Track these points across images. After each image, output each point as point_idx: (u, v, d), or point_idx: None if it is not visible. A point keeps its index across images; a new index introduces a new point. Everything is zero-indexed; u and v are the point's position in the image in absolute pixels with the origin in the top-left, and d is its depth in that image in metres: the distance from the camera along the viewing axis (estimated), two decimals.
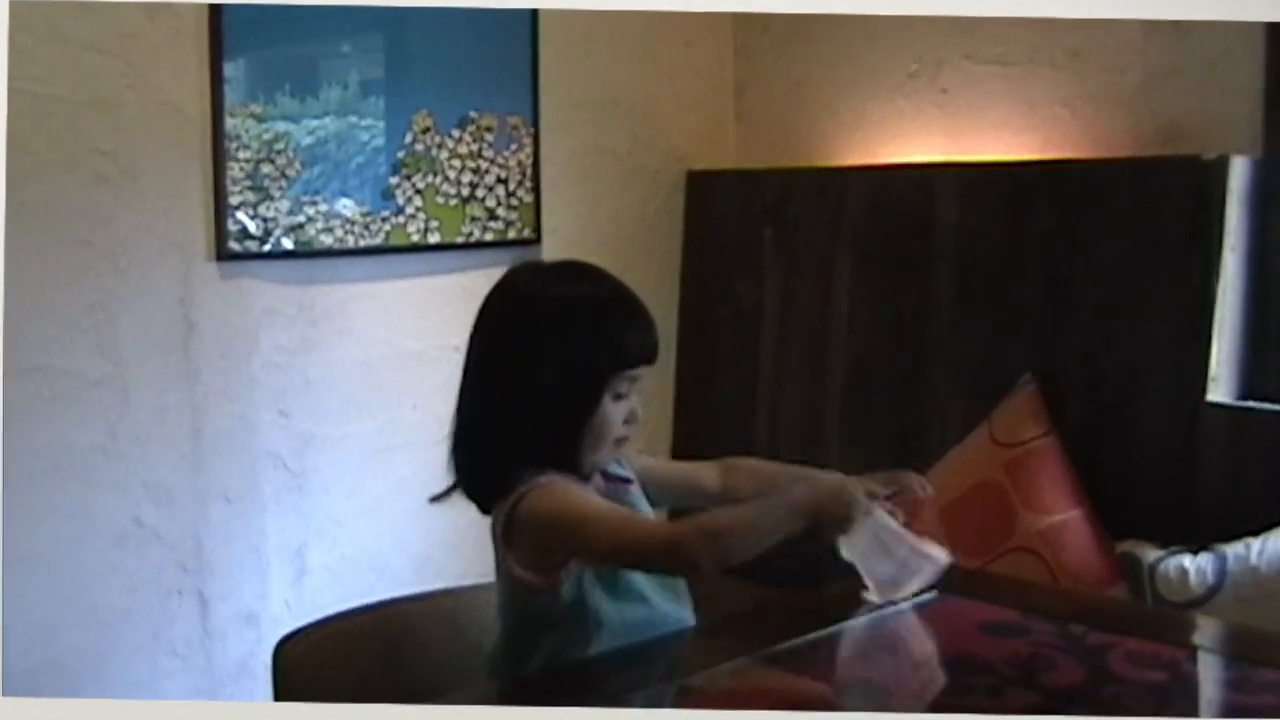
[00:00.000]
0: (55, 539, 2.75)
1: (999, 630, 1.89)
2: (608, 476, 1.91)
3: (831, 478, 1.81)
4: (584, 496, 1.79)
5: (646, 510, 1.94)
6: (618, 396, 1.82)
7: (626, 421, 1.84)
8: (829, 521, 1.75)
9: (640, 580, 1.83)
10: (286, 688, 1.87)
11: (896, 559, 1.82)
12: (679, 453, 3.57)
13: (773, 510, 1.76)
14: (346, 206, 3.09)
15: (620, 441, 1.86)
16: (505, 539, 1.82)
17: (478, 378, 1.89)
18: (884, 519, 1.81)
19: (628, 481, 1.94)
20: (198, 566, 2.95)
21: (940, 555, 1.89)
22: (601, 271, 1.92)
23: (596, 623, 1.80)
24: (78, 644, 2.80)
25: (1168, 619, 2.31)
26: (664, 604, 1.85)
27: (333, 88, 3.08)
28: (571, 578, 1.79)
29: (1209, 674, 1.86)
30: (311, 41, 3.10)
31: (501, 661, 1.87)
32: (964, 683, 1.75)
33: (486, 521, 3.17)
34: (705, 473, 2.04)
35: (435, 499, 1.92)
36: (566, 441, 1.82)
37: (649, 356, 1.85)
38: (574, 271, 1.92)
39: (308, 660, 1.90)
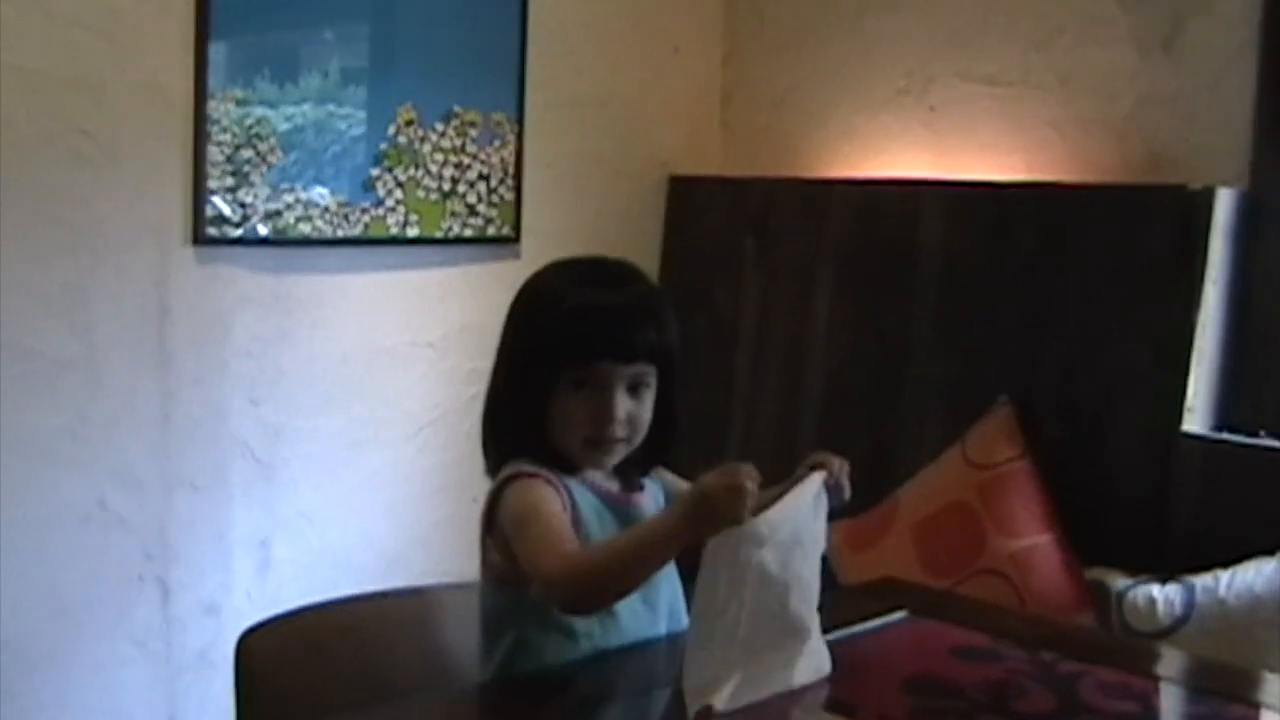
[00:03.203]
0: (18, 520, 2.71)
1: (970, 654, 1.88)
2: (626, 481, 1.89)
3: (713, 475, 1.58)
4: (543, 505, 1.75)
5: None
6: (578, 387, 1.78)
7: (602, 421, 1.78)
8: (713, 523, 1.58)
9: None
10: (248, 680, 1.85)
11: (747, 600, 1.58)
12: None
13: (646, 536, 1.67)
14: (322, 195, 3.06)
15: (595, 442, 1.81)
16: (486, 521, 1.81)
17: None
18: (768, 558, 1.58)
19: (639, 490, 1.89)
20: (161, 553, 2.92)
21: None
22: (603, 268, 1.89)
23: (554, 623, 1.77)
24: (36, 627, 2.76)
25: (1138, 650, 2.31)
26: (630, 617, 1.82)
27: (313, 75, 3.05)
28: None
29: (1180, 707, 1.85)
30: (295, 27, 3.07)
31: (480, 647, 1.86)
32: (935, 705, 1.74)
33: (452, 520, 3.19)
34: None
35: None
36: (530, 430, 1.80)
37: (606, 349, 1.78)
38: (571, 265, 1.90)
39: (270, 653, 1.87)
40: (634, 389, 1.81)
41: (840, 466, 1.77)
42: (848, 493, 1.77)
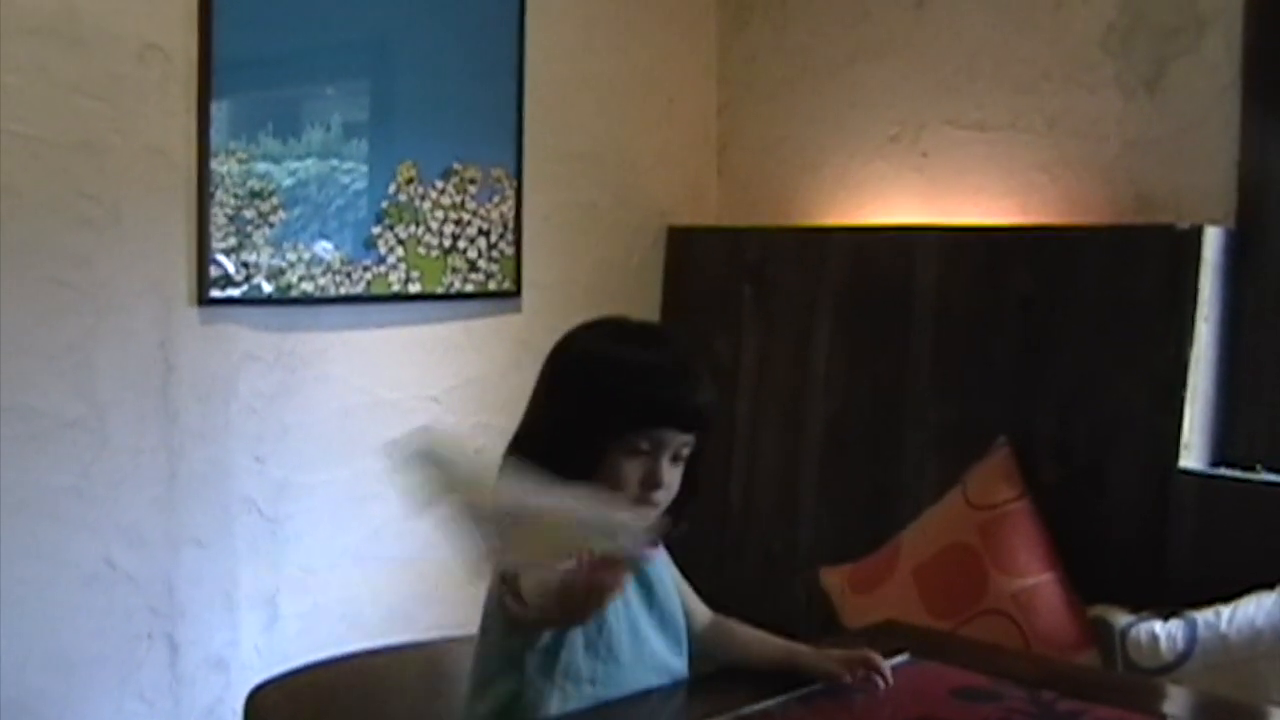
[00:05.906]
0: (25, 579, 2.73)
1: (970, 695, 1.90)
2: None
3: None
4: None
5: (666, 584, 1.93)
6: (633, 452, 1.79)
7: (647, 485, 1.80)
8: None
9: (623, 641, 1.83)
10: None
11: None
12: None
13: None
14: (325, 250, 3.09)
15: (638, 504, 1.81)
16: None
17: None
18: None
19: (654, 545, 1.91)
20: (168, 610, 2.93)
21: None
22: (653, 333, 1.92)
23: (564, 670, 1.79)
24: (44, 685, 2.77)
25: (1138, 686, 2.32)
26: (639, 669, 1.85)
27: (315, 129, 3.09)
28: None
29: None
30: (296, 83, 3.11)
31: (469, 692, 1.87)
32: None
33: (458, 574, 3.19)
34: (700, 616, 2.02)
35: None
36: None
37: (672, 419, 1.80)
38: (620, 327, 1.91)
39: (279, 710, 1.89)
40: (675, 457, 1.83)
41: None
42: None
